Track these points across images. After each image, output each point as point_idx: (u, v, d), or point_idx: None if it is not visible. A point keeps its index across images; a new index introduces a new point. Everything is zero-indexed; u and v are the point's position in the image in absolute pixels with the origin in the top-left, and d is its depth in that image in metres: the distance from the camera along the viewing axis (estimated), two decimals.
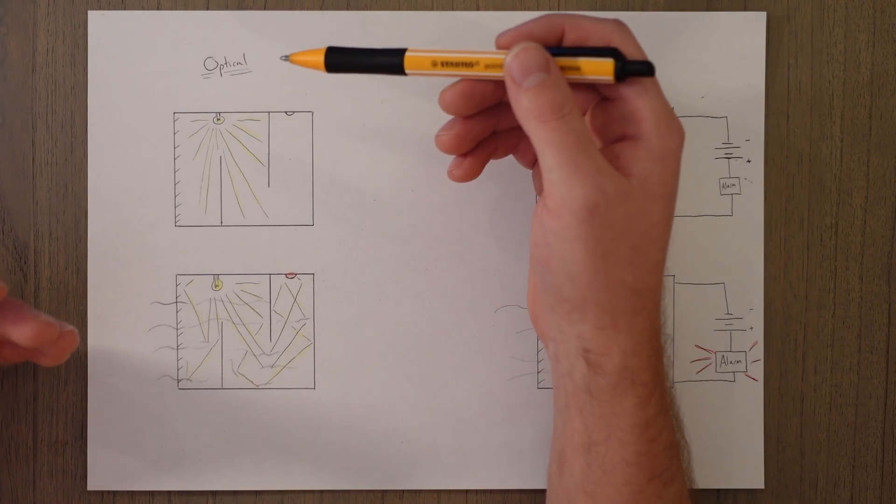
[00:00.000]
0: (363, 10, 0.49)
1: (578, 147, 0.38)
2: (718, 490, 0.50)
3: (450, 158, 0.45)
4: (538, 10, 0.49)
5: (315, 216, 0.49)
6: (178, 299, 0.49)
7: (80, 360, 0.49)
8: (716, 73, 0.49)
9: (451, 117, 0.43)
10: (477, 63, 0.41)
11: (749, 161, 0.49)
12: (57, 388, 0.49)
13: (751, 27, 0.49)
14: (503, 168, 0.48)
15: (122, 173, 0.49)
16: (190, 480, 0.49)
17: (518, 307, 0.49)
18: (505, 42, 0.41)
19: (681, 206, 0.49)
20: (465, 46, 0.48)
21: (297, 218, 0.49)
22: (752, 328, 0.49)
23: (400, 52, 0.41)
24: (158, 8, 0.49)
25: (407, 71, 0.41)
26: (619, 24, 0.41)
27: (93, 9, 0.49)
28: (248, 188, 0.49)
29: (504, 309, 0.49)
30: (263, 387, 0.49)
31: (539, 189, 0.45)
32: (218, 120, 0.49)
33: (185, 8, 0.49)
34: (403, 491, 0.49)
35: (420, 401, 0.49)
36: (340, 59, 0.42)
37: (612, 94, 0.41)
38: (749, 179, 0.49)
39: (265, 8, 0.49)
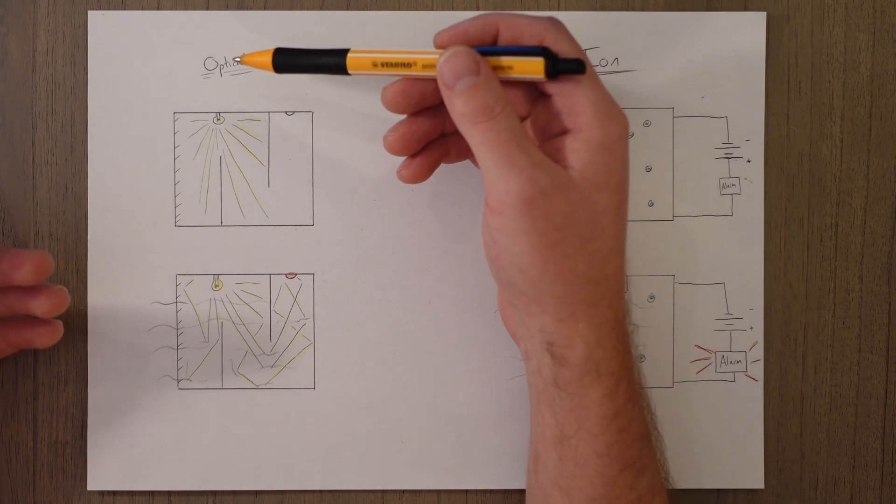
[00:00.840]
0: (363, 10, 0.49)
1: (511, 144, 0.39)
2: (718, 490, 0.50)
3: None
4: (538, 10, 0.49)
5: (315, 216, 0.49)
6: (178, 299, 0.49)
7: (79, 360, 0.49)
8: (716, 73, 0.49)
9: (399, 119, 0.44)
10: (415, 63, 0.42)
11: (749, 161, 0.49)
12: (57, 388, 0.49)
13: (751, 27, 0.49)
14: None
15: (122, 173, 0.49)
16: (190, 480, 0.49)
17: None
18: (441, 42, 0.42)
19: (681, 206, 0.49)
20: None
21: (297, 218, 0.49)
22: (752, 328, 0.49)
23: (343, 53, 0.43)
24: (158, 8, 0.49)
25: (350, 71, 0.43)
26: (553, 21, 0.41)
27: (93, 9, 0.49)
28: (248, 188, 0.49)
29: None
30: (263, 387, 0.49)
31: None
32: (218, 120, 0.49)
33: (185, 8, 0.49)
34: (403, 491, 0.49)
35: (420, 401, 0.49)
36: (287, 60, 0.44)
37: (551, 91, 0.41)
38: (749, 179, 0.49)
39: (265, 8, 0.49)
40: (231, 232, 0.49)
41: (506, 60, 0.40)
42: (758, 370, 0.49)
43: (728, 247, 0.49)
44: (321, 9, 0.49)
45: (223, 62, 0.49)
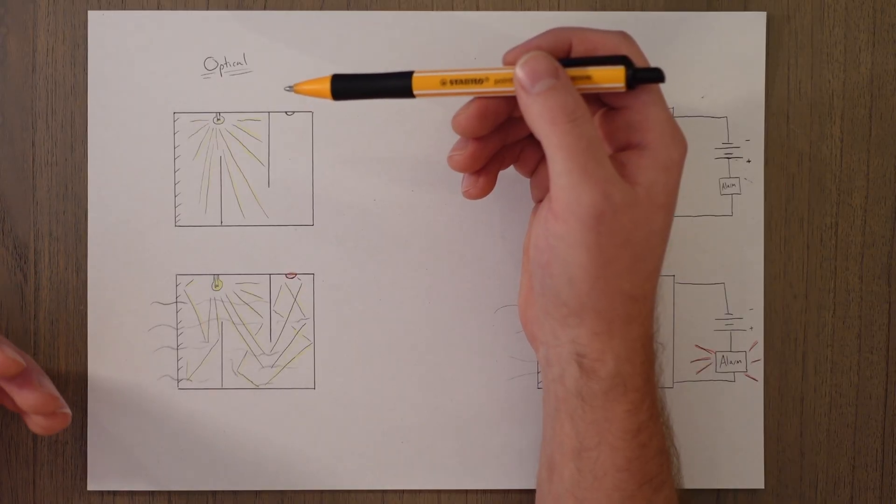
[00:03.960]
0: (363, 10, 0.49)
1: (589, 153, 0.38)
2: (718, 490, 0.50)
3: (458, 176, 0.45)
4: (538, 10, 0.49)
5: (315, 216, 0.49)
6: (178, 299, 0.49)
7: (80, 360, 0.49)
8: (716, 73, 0.49)
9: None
10: (486, 79, 0.41)
11: (749, 161, 0.49)
12: (57, 389, 0.49)
13: (751, 27, 0.49)
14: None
15: (122, 173, 0.49)
16: (190, 480, 0.49)
17: (518, 307, 0.49)
18: (512, 58, 0.41)
19: (681, 206, 0.49)
20: (464, 47, 0.48)
21: (297, 218, 0.49)
22: (752, 328, 0.49)
23: (407, 75, 0.41)
24: (158, 8, 0.49)
25: (415, 92, 0.41)
26: (625, 35, 0.41)
27: (93, 9, 0.49)
28: (248, 188, 0.49)
29: (504, 309, 0.49)
30: (263, 387, 0.49)
31: (536, 197, 0.45)
32: (218, 120, 0.49)
33: (185, 8, 0.49)
34: (403, 491, 0.49)
35: (420, 401, 0.49)
36: (346, 86, 0.42)
37: (618, 104, 0.41)
38: (749, 179, 0.49)
39: (265, 8, 0.49)
40: (231, 232, 0.49)
41: (584, 70, 0.40)
42: (758, 370, 0.49)
43: (728, 247, 0.49)
44: (321, 9, 0.49)
45: (223, 62, 0.49)
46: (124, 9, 0.49)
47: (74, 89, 0.49)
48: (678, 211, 0.49)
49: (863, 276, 0.50)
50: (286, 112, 0.49)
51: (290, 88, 0.43)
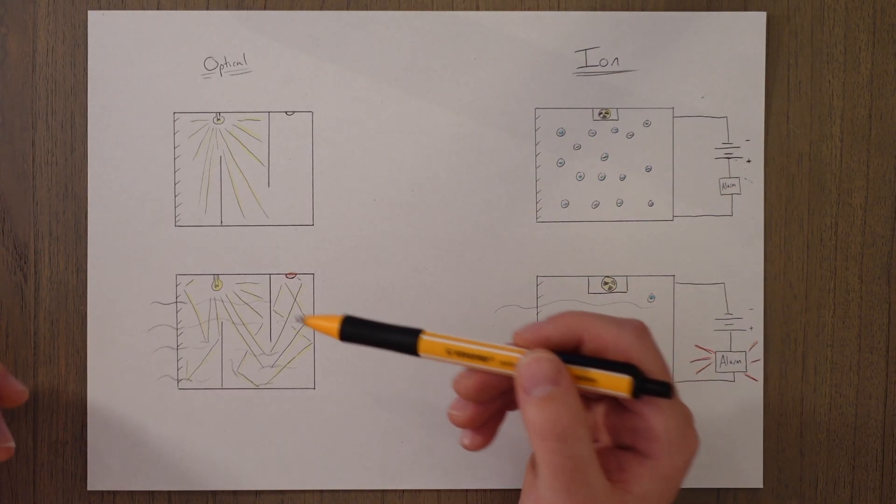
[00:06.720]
0: (363, 10, 0.49)
1: (574, 475, 0.37)
2: (718, 490, 0.50)
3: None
4: (538, 10, 0.49)
5: (315, 216, 0.49)
6: (178, 299, 0.49)
7: (79, 360, 0.49)
8: (716, 73, 0.49)
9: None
10: (491, 358, 0.40)
11: (749, 161, 0.49)
12: (57, 388, 0.49)
13: (751, 27, 0.49)
14: (502, 168, 0.48)
15: (122, 173, 0.49)
16: (190, 480, 0.49)
17: (518, 307, 0.49)
18: (522, 341, 0.40)
19: (681, 206, 0.49)
20: (464, 47, 0.48)
21: (297, 218, 0.49)
22: (752, 328, 0.49)
23: (415, 333, 0.40)
24: (158, 8, 0.49)
25: (420, 353, 0.40)
26: (639, 333, 0.40)
27: (93, 9, 0.49)
28: (248, 188, 0.49)
29: (504, 309, 0.49)
30: (263, 387, 0.49)
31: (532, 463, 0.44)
32: (218, 120, 0.49)
33: (185, 8, 0.49)
34: (403, 491, 0.49)
35: (420, 401, 0.49)
36: (355, 330, 0.41)
37: (627, 405, 0.40)
38: (749, 179, 0.49)
39: (265, 8, 0.49)
40: (231, 232, 0.49)
41: (590, 372, 0.39)
42: (758, 370, 0.49)
43: (728, 247, 0.49)
44: (321, 9, 0.49)
45: (223, 62, 0.49)
46: (124, 9, 0.49)
47: (74, 89, 0.49)
48: (678, 211, 0.49)
49: (863, 276, 0.50)
50: (286, 112, 0.49)
51: (301, 319, 0.43)
